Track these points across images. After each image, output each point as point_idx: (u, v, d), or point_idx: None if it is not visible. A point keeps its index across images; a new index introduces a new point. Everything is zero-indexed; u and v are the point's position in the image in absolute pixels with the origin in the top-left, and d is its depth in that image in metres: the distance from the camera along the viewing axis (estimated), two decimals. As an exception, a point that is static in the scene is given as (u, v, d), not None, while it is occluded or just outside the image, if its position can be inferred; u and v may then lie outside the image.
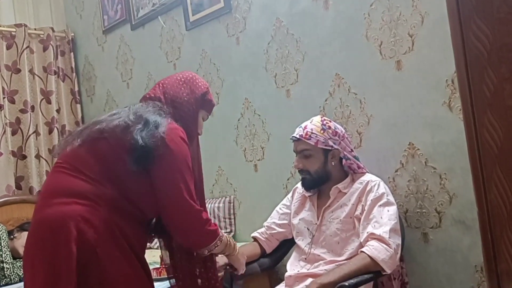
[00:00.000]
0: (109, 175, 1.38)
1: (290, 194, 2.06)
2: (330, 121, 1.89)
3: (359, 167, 1.89)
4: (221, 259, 1.75)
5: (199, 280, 1.57)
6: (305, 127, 1.85)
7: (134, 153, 1.35)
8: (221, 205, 2.70)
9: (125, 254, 1.35)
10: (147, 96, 1.54)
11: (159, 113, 1.44)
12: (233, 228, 2.66)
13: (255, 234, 2.04)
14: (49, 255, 1.27)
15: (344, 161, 1.88)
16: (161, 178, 1.39)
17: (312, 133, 1.83)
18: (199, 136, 1.62)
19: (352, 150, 1.90)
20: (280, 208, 2.07)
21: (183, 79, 1.56)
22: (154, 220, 1.57)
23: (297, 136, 1.86)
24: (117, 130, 1.39)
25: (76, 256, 1.26)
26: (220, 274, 1.71)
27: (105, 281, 1.31)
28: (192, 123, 1.53)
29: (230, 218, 2.68)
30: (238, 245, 2.00)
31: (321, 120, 1.87)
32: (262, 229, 2.04)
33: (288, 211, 2.03)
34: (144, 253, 1.48)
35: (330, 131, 1.84)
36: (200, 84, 1.57)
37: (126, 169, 1.37)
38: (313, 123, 1.86)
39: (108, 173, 1.38)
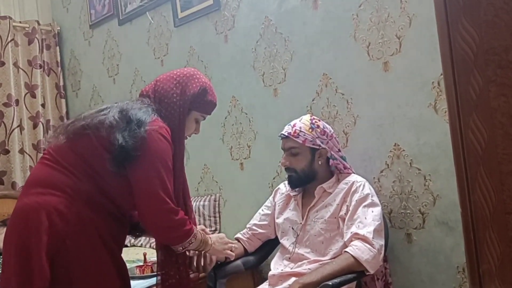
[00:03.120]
0: (88, 170, 1.40)
1: (272, 195, 2.07)
2: (319, 120, 1.89)
3: (345, 167, 1.90)
4: (212, 259, 1.75)
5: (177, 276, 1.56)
6: (294, 125, 1.86)
7: (114, 152, 1.36)
8: (206, 203, 2.69)
9: (95, 248, 1.37)
10: (142, 91, 1.55)
11: (146, 110, 1.44)
12: (218, 227, 2.65)
13: (237, 235, 2.04)
14: (22, 242, 1.31)
15: (331, 161, 1.89)
16: (137, 175, 1.39)
17: (300, 131, 1.83)
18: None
19: (339, 150, 1.90)
20: (262, 210, 2.07)
21: (178, 78, 1.54)
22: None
23: (286, 134, 1.86)
24: (100, 128, 1.39)
25: (46, 246, 1.29)
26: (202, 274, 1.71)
27: (71, 272, 1.33)
28: (178, 125, 1.50)
29: (215, 217, 2.67)
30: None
31: (310, 119, 1.87)
32: (244, 230, 2.05)
33: (269, 212, 2.03)
34: (120, 248, 1.49)
35: (319, 130, 1.84)
36: (194, 84, 1.54)
37: (105, 166, 1.38)
38: (302, 122, 1.86)
39: (87, 168, 1.40)
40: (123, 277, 1.45)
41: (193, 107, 1.55)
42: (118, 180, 1.40)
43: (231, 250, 1.77)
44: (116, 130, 1.37)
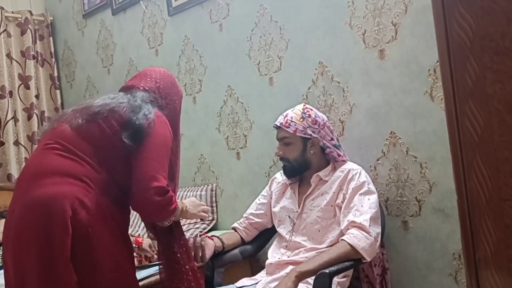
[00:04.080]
0: (101, 159, 1.43)
1: (268, 184, 2.07)
2: (311, 110, 1.89)
3: (339, 155, 1.90)
4: (210, 249, 1.78)
5: (179, 265, 1.57)
6: (286, 115, 1.87)
7: (129, 129, 1.42)
8: (203, 193, 2.69)
9: (115, 237, 1.40)
10: (141, 87, 1.58)
11: (151, 103, 1.53)
12: (215, 216, 2.65)
13: (234, 224, 2.05)
14: (45, 232, 1.29)
15: (327, 149, 1.89)
16: (139, 155, 1.42)
17: (291, 121, 1.84)
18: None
19: (332, 139, 1.90)
20: (258, 199, 2.08)
21: (170, 81, 1.67)
22: None
23: (278, 124, 1.87)
24: (115, 111, 1.46)
25: (71, 235, 1.30)
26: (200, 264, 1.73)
27: (94, 261, 1.34)
28: (177, 119, 1.65)
29: (212, 206, 2.67)
30: (220, 233, 2.01)
31: (303, 109, 1.88)
32: (241, 220, 2.06)
33: (265, 201, 2.04)
34: (129, 237, 1.53)
35: (310, 120, 1.84)
36: (179, 87, 1.72)
37: (116, 154, 1.43)
38: (294, 111, 1.87)
39: (100, 156, 1.43)
40: (134, 263, 1.53)
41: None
42: (127, 169, 1.42)
43: (204, 212, 1.74)
44: (131, 111, 1.45)
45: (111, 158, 1.44)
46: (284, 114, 1.88)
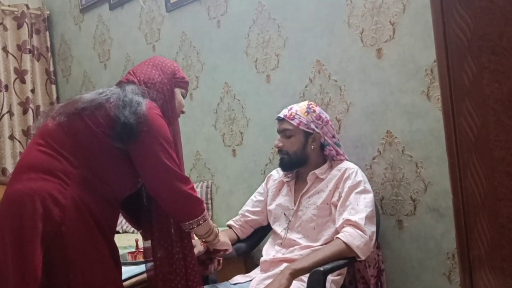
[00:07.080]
0: (82, 154, 1.39)
1: (264, 182, 2.07)
2: (316, 106, 1.91)
3: (338, 153, 1.90)
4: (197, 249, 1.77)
5: (175, 266, 1.56)
6: (291, 108, 1.89)
7: (117, 129, 1.38)
8: (198, 189, 2.68)
9: (91, 234, 1.37)
10: (124, 81, 1.55)
11: (140, 93, 1.48)
12: (210, 213, 2.65)
13: (229, 222, 2.05)
14: (16, 228, 1.28)
15: (326, 149, 1.89)
16: (142, 150, 1.41)
17: (296, 114, 1.86)
18: (179, 118, 1.65)
19: (333, 136, 1.91)
20: (254, 196, 2.08)
21: (151, 63, 1.61)
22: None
23: (282, 116, 1.89)
24: (100, 107, 1.41)
25: (41, 232, 1.28)
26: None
27: (68, 259, 1.32)
28: (170, 101, 1.57)
29: (207, 203, 2.67)
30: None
31: (307, 104, 1.91)
32: (237, 217, 2.06)
33: (261, 198, 2.04)
34: (113, 233, 1.50)
35: (314, 115, 1.86)
36: (168, 63, 1.62)
37: (102, 151, 1.39)
38: (299, 106, 1.90)
39: (81, 151, 1.39)
40: (115, 260, 1.46)
41: (176, 84, 1.62)
42: (112, 162, 1.41)
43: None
44: (117, 108, 1.40)
45: (95, 155, 1.40)
46: (289, 107, 1.90)
